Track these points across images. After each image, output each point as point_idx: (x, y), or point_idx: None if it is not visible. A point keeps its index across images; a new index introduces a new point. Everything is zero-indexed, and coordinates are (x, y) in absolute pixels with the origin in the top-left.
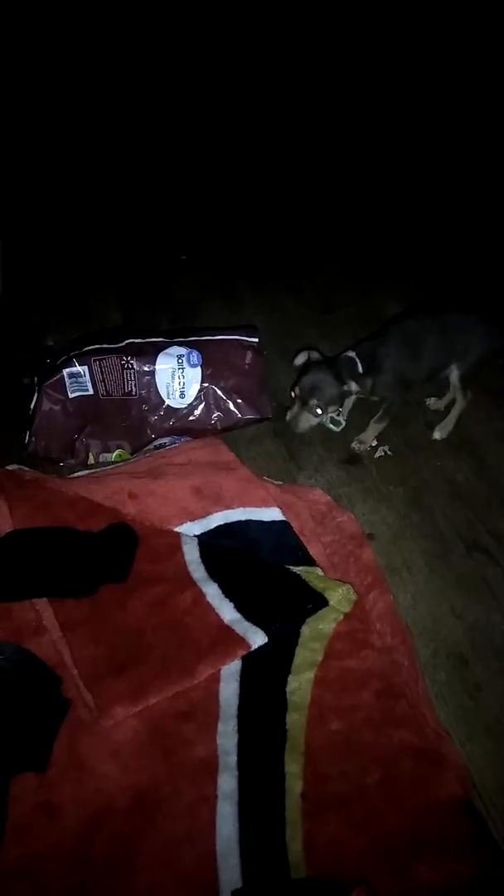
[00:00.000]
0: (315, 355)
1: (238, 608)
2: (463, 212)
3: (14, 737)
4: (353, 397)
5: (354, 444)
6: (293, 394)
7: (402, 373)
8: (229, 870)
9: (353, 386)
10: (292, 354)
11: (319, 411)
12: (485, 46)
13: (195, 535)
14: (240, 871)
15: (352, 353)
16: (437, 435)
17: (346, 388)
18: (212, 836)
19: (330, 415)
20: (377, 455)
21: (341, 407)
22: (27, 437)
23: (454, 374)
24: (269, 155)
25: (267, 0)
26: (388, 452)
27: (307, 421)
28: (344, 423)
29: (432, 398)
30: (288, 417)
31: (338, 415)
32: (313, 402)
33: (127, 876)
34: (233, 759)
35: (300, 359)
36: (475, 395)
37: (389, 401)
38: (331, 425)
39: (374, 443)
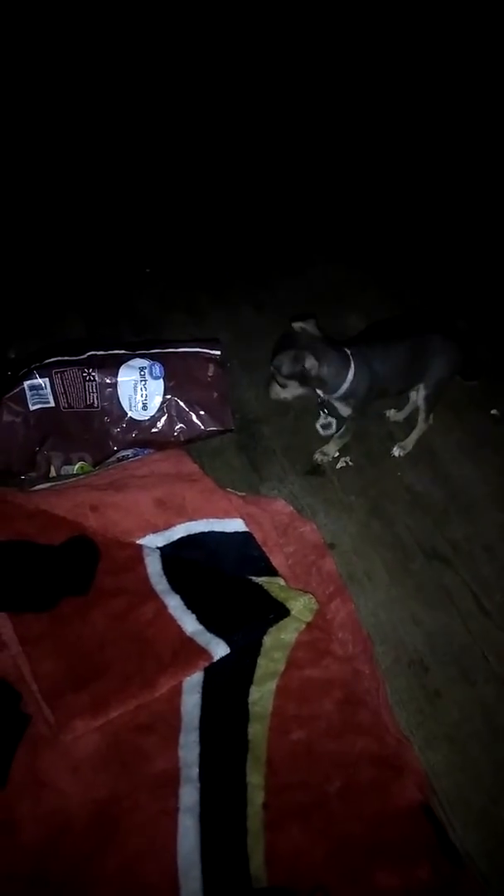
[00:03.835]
0: (300, 326)
1: (200, 619)
2: (423, 228)
3: None
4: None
5: (317, 456)
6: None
7: (378, 386)
8: (191, 882)
9: (309, 363)
10: (255, 365)
11: (283, 384)
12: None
13: (158, 547)
14: (201, 883)
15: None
16: (396, 452)
17: (304, 366)
18: (173, 850)
19: (321, 422)
20: (339, 466)
21: (328, 413)
22: None
23: (419, 394)
24: (229, 171)
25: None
26: (350, 463)
27: (275, 392)
28: (334, 426)
29: (392, 410)
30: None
31: (325, 416)
32: (278, 377)
33: (87, 893)
34: (194, 771)
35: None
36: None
37: (353, 407)
38: (322, 430)
39: (336, 454)
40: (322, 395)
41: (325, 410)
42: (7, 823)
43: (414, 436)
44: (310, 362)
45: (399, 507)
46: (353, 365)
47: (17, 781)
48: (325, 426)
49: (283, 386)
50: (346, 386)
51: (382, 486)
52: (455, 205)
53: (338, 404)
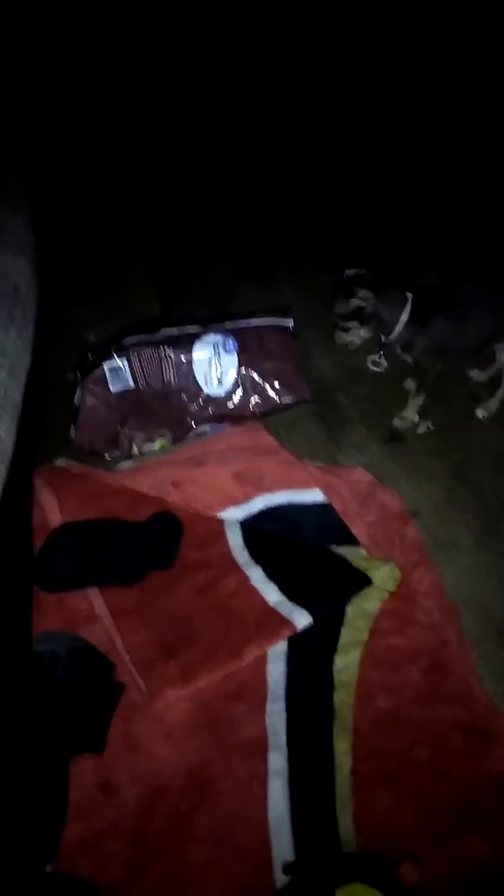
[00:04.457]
0: (353, 271)
1: (282, 590)
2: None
3: (72, 720)
4: (393, 340)
5: (396, 422)
6: None
7: (445, 337)
8: (282, 844)
9: (362, 294)
10: (329, 332)
11: (344, 328)
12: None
13: (238, 520)
14: (292, 845)
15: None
16: (481, 414)
17: (357, 298)
18: (264, 812)
19: (371, 357)
20: (420, 431)
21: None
22: (73, 432)
23: (502, 351)
24: (302, 137)
25: None
26: (431, 427)
27: (340, 338)
28: (384, 364)
29: (475, 370)
30: None
31: (379, 357)
32: (340, 322)
33: (183, 850)
34: (282, 737)
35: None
36: None
37: (424, 366)
38: (372, 366)
39: (417, 418)
40: (384, 338)
41: (382, 353)
42: (107, 785)
43: (500, 394)
44: (362, 293)
45: (485, 471)
46: (409, 303)
47: (114, 746)
48: (375, 363)
49: (345, 330)
50: (400, 325)
51: (466, 449)
52: None
53: (402, 348)
